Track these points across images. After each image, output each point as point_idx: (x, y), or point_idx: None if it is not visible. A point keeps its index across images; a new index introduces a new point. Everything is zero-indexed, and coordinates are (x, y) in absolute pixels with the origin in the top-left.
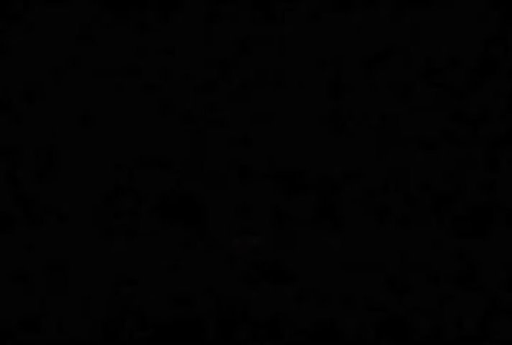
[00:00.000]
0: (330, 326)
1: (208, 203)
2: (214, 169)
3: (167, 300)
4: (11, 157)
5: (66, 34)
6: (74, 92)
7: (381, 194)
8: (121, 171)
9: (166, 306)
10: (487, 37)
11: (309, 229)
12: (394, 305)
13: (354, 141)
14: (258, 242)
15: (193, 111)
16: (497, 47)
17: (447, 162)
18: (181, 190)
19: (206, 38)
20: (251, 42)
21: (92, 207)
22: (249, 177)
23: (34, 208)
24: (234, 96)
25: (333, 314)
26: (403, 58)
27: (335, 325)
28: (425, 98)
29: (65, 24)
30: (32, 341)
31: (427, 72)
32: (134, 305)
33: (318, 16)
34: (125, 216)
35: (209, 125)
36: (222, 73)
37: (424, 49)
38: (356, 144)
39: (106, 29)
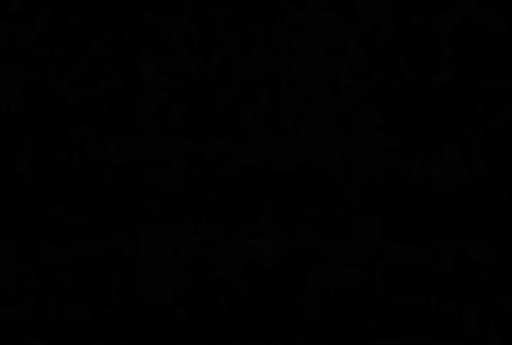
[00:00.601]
0: (332, 321)
1: (209, 203)
2: (214, 169)
3: (168, 300)
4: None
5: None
6: (73, 90)
7: (382, 195)
8: (122, 171)
9: (167, 305)
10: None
11: (311, 230)
12: (394, 304)
13: (356, 142)
14: (259, 243)
15: (192, 111)
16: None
17: (447, 163)
18: (182, 189)
19: (203, 37)
20: (250, 43)
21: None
22: (249, 177)
23: (34, 207)
24: (234, 96)
25: (333, 312)
26: (404, 58)
27: (336, 319)
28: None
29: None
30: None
31: (427, 71)
32: (136, 305)
33: (318, 15)
34: (126, 216)
35: (209, 125)
36: (221, 73)
37: (425, 48)
38: (357, 144)
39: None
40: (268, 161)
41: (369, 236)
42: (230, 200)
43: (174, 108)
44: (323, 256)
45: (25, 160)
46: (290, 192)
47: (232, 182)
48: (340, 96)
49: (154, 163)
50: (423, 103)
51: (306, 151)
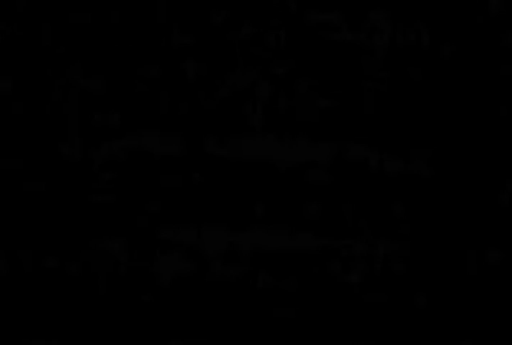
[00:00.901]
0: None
1: (209, 202)
2: (213, 169)
3: (171, 297)
4: None
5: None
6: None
7: (383, 196)
8: (122, 171)
9: (170, 303)
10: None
11: (311, 230)
12: (393, 304)
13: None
14: (259, 242)
15: (191, 112)
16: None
17: (448, 165)
18: (181, 189)
19: (202, 37)
20: (249, 44)
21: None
22: (249, 177)
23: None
24: (233, 96)
25: (332, 311)
26: (405, 57)
27: (334, 320)
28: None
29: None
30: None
31: (429, 71)
32: (140, 304)
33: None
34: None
35: (208, 125)
36: (221, 74)
37: (427, 48)
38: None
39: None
40: (268, 161)
41: (369, 236)
42: (229, 200)
43: (173, 106)
44: (323, 256)
45: (24, 160)
46: (289, 192)
47: (231, 182)
48: (340, 96)
49: (153, 162)
50: (423, 103)
51: (306, 151)
